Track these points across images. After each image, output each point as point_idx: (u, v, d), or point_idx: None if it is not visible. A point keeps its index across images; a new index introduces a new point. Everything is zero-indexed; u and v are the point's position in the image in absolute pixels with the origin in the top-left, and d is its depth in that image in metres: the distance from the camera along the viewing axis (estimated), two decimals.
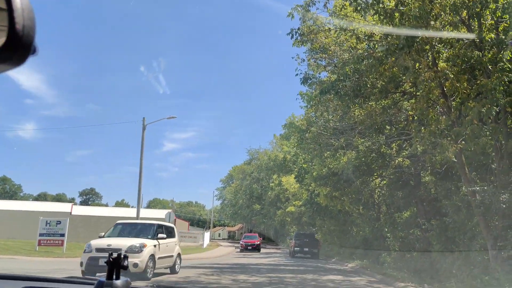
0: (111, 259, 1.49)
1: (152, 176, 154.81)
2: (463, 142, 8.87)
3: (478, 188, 9.84)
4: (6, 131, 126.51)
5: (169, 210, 30.58)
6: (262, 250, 40.23)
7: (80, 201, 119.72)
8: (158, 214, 45.54)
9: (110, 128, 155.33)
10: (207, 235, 50.59)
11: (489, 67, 9.34)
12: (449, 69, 8.96)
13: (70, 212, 42.91)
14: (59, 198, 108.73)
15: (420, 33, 8.86)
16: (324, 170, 22.00)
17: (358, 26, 10.58)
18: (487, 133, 9.29)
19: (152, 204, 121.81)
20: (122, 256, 1.52)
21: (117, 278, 1.51)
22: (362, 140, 15.05)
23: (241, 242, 39.47)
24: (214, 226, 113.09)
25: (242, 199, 72.75)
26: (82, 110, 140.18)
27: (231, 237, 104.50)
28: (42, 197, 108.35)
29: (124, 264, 1.50)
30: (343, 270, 18.29)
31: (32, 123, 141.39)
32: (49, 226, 27.05)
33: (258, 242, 38.25)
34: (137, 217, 26.45)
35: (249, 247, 36.64)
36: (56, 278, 2.05)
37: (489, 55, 9.33)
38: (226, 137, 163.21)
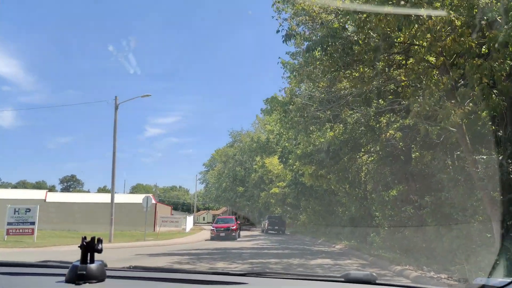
0: (84, 243, 1.49)
1: (136, 162, 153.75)
2: (470, 104, 7.68)
3: (483, 157, 8.72)
4: None
5: (147, 195, 29.02)
6: (246, 233, 38.82)
7: (61, 188, 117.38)
8: (135, 199, 44.03)
9: (90, 114, 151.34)
10: (190, 219, 49.35)
11: (498, 18, 8.06)
12: (454, 17, 7.68)
13: (44, 199, 40.97)
14: (39, 186, 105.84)
15: None
16: (309, 148, 20.79)
17: None
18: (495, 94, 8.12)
19: (135, 190, 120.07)
20: (96, 239, 1.50)
21: (92, 261, 1.51)
22: (350, 112, 13.81)
23: (211, 228, 29.92)
24: (198, 210, 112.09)
25: (226, 182, 71.55)
26: (61, 96, 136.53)
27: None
28: (21, 185, 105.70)
29: (99, 247, 1.50)
30: (331, 252, 17.27)
31: (10, 110, 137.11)
32: (18, 214, 25.36)
33: (234, 227, 28.43)
34: (112, 202, 24.90)
35: (222, 234, 27.52)
36: (30, 263, 2.02)
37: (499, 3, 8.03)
38: (209, 121, 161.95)
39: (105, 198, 45.64)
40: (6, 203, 26.93)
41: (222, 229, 28.09)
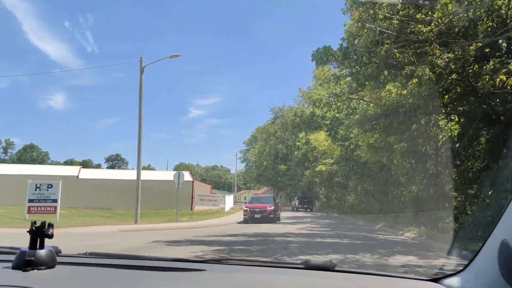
0: (33, 228, 1.45)
1: (179, 143, 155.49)
2: None
3: None
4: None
5: (180, 171, 25.94)
6: (287, 214, 35.19)
7: (107, 167, 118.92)
8: (165, 176, 41.47)
9: (135, 97, 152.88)
10: (229, 198, 46.44)
11: None
12: None
13: (77, 176, 39.18)
14: (85, 164, 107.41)
15: None
16: (371, 109, 16.63)
17: None
18: None
19: (178, 168, 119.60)
20: (47, 224, 1.46)
21: (41, 247, 1.46)
22: (439, 51, 9.67)
23: (245, 208, 25.62)
24: (240, 190, 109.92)
25: (267, 160, 68.23)
26: (107, 78, 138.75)
27: None
28: (68, 164, 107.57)
29: (49, 232, 1.46)
30: (406, 244, 13.35)
31: (61, 92, 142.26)
32: (40, 190, 23.02)
33: (272, 207, 23.95)
34: (138, 177, 22.00)
35: (256, 216, 23.36)
36: None
37: None
38: (248, 101, 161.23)
39: (144, 175, 43.64)
40: (39, 179, 24.66)
41: (257, 209, 23.74)
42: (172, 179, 25.72)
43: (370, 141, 17.60)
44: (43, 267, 1.45)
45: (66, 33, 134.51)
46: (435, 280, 1.57)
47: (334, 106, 27.79)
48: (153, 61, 22.37)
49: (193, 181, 40.88)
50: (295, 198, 50.84)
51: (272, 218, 23.43)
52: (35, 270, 1.43)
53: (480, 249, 1.33)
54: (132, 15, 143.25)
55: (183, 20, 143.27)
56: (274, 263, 2.00)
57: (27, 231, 1.44)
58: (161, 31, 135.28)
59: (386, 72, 10.01)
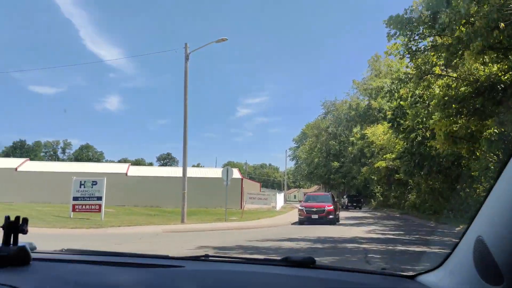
0: (7, 223, 1.43)
1: (227, 142, 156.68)
2: None
3: None
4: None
5: (228, 167, 24.02)
6: (346, 214, 32.41)
7: (158, 165, 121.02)
8: (213, 173, 39.90)
9: (189, 99, 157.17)
10: (280, 196, 44.25)
11: None
12: None
13: (126, 173, 38.51)
14: (137, 163, 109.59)
15: None
16: (458, 90, 13.73)
17: None
18: None
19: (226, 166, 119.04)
20: (21, 219, 1.45)
21: (15, 243, 1.44)
22: None
23: (300, 207, 22.64)
24: (289, 188, 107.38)
25: (318, 157, 65.25)
26: (159, 81, 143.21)
27: None
28: (122, 162, 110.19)
29: (23, 228, 1.44)
30: None
31: (116, 95, 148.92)
32: (84, 187, 21.97)
33: (331, 207, 21.15)
34: (184, 174, 20.31)
35: (314, 216, 20.69)
36: None
37: None
38: (297, 100, 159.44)
39: (192, 172, 42.49)
40: (88, 176, 23.74)
41: (315, 209, 21.08)
42: (220, 176, 23.92)
43: (454, 128, 14.61)
44: (16, 263, 1.41)
45: (119, 38, 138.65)
46: (411, 277, 1.59)
47: (400, 92, 24.89)
48: (196, 52, 20.54)
49: (242, 179, 39.10)
50: (345, 196, 52.34)
51: (331, 219, 20.74)
52: (8, 267, 1.40)
53: (456, 245, 1.32)
54: (177, 15, 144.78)
55: (229, 19, 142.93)
56: (254, 260, 1.94)
57: (1, 227, 1.41)
58: (208, 30, 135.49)
59: (503, 24, 7.39)
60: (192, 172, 34.38)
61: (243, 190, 36.56)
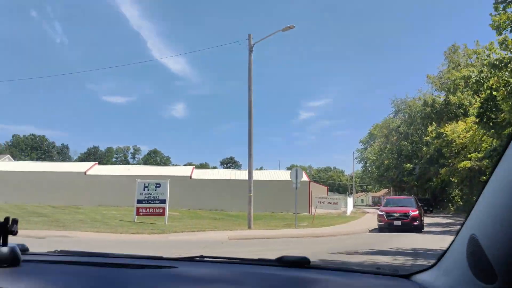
0: None
1: (290, 145, 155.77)
2: None
3: None
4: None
5: (297, 167, 22.16)
6: (430, 220, 29.12)
7: (222, 169, 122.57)
8: (279, 176, 38.13)
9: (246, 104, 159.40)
10: (349, 200, 41.57)
11: None
12: None
13: (190, 176, 37.95)
14: (202, 167, 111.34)
15: None
16: None
17: None
18: None
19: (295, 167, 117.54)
20: (10, 220, 1.43)
21: (5, 244, 1.42)
22: None
23: (379, 212, 19.90)
24: (356, 192, 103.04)
25: (389, 159, 61.34)
26: (223, 87, 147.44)
27: (376, 203, 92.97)
28: (187, 166, 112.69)
29: (13, 229, 1.42)
30: None
31: (181, 102, 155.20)
32: (148, 190, 21.23)
33: (416, 212, 18.82)
34: (249, 176, 18.77)
35: (396, 222, 18.44)
36: None
37: None
38: (363, 100, 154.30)
39: (256, 175, 41.32)
40: (153, 180, 23.10)
41: (397, 214, 18.70)
42: (287, 178, 22.20)
43: None
44: (5, 265, 1.40)
45: (183, 47, 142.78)
46: (406, 276, 1.58)
47: (490, 82, 21.79)
48: (261, 42, 18.96)
49: (309, 182, 37.00)
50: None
51: (417, 225, 18.31)
52: None
53: (451, 244, 1.32)
54: (240, 21, 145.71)
55: (291, 19, 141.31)
56: (248, 260, 1.90)
57: None
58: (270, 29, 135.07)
59: None
60: (256, 175, 32.94)
61: (311, 194, 34.50)
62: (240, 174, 37.97)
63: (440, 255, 1.36)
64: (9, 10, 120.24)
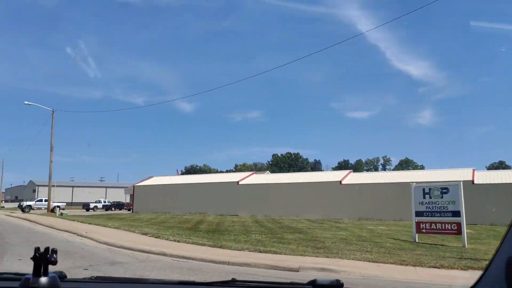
0: (37, 254, 1.42)
1: None
2: None
3: None
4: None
5: None
6: None
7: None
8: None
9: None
10: None
11: None
12: None
13: (472, 181, 29.00)
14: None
15: None
16: None
17: None
18: None
19: None
20: (50, 250, 1.43)
21: (45, 274, 1.42)
22: None
23: None
24: None
25: None
26: (473, 86, 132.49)
27: None
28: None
29: (52, 259, 1.42)
30: None
31: (427, 109, 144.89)
32: (430, 198, 14.87)
33: None
34: None
35: None
36: None
37: None
38: None
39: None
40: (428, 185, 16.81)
41: None
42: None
43: None
44: None
45: (425, 50, 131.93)
46: None
47: None
48: None
49: None
50: None
51: None
52: None
53: (489, 264, 1.31)
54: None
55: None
56: (280, 284, 1.98)
57: (30, 258, 1.43)
58: None
59: None
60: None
61: None
62: None
63: (479, 278, 1.31)
64: None
